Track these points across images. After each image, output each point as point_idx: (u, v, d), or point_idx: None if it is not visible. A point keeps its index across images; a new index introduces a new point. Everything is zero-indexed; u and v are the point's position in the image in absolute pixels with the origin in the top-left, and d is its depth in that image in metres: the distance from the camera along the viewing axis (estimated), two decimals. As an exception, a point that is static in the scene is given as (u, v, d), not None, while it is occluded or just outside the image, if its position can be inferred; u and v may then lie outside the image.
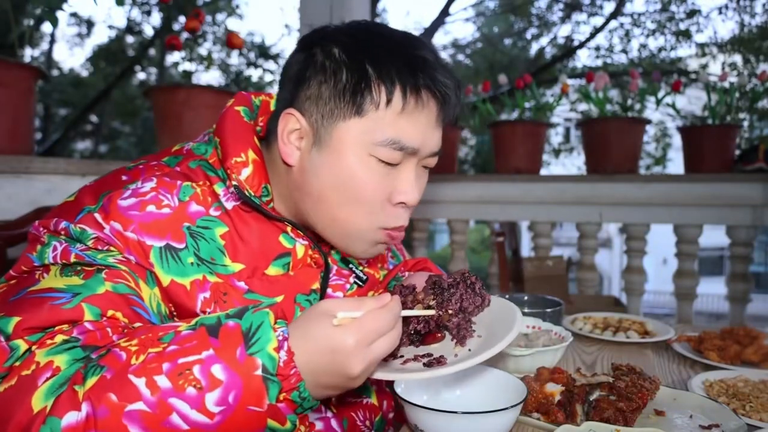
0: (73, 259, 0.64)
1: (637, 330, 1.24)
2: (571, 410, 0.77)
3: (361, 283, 0.85)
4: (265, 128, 0.80)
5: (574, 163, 9.85)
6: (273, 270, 0.75)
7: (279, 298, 0.74)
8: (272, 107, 0.82)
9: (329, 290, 0.81)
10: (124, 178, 0.72)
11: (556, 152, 9.66)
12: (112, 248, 0.66)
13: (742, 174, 2.31)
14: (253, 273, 0.73)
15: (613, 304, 2.32)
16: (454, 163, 2.80)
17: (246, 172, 0.73)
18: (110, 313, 0.62)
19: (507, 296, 1.32)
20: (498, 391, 0.76)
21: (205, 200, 0.72)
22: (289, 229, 0.77)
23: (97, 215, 0.67)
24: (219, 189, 0.74)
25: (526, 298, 1.29)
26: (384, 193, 0.72)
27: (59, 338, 0.58)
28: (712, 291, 11.88)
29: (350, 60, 0.69)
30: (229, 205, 0.74)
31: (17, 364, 0.55)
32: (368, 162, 0.70)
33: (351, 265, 0.85)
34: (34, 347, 0.57)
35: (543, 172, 2.79)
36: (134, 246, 0.67)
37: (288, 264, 0.76)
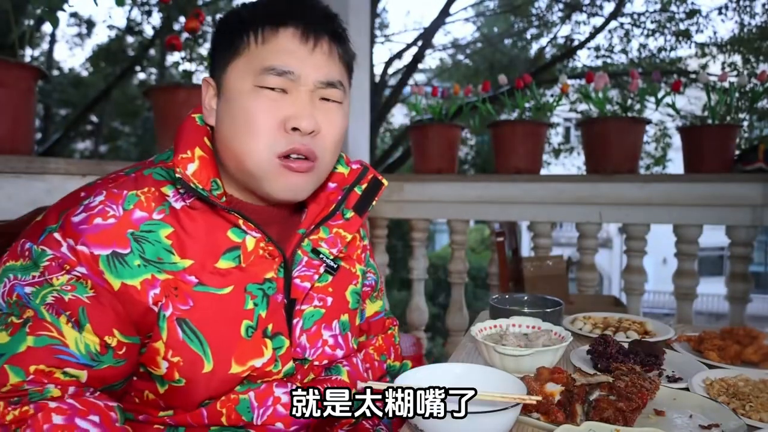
0: (14, 298, 0.72)
1: (637, 330, 1.24)
2: (571, 410, 0.77)
3: (332, 272, 0.89)
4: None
5: (574, 163, 9.85)
6: (224, 263, 0.79)
7: (228, 289, 0.78)
8: None
9: (297, 281, 0.85)
10: (82, 194, 0.78)
11: (556, 152, 9.65)
12: (61, 275, 0.72)
13: (742, 174, 2.31)
14: (202, 267, 0.78)
15: (613, 304, 2.32)
16: (454, 163, 2.80)
17: (192, 167, 0.78)
18: (33, 368, 0.69)
19: (507, 296, 1.32)
20: (498, 391, 0.76)
21: (149, 206, 0.77)
22: (240, 222, 0.80)
23: (56, 234, 0.74)
24: (169, 191, 0.79)
25: (526, 298, 1.29)
26: (275, 118, 0.78)
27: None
28: (712, 291, 11.88)
29: (227, 19, 0.82)
30: (178, 205, 0.79)
31: None
32: (256, 92, 0.78)
33: (321, 255, 0.87)
34: None
35: (543, 172, 2.79)
36: (85, 258, 0.73)
37: (239, 257, 0.80)
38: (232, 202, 0.84)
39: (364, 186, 0.94)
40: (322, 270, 0.87)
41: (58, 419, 0.68)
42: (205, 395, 0.78)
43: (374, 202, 0.94)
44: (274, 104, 0.78)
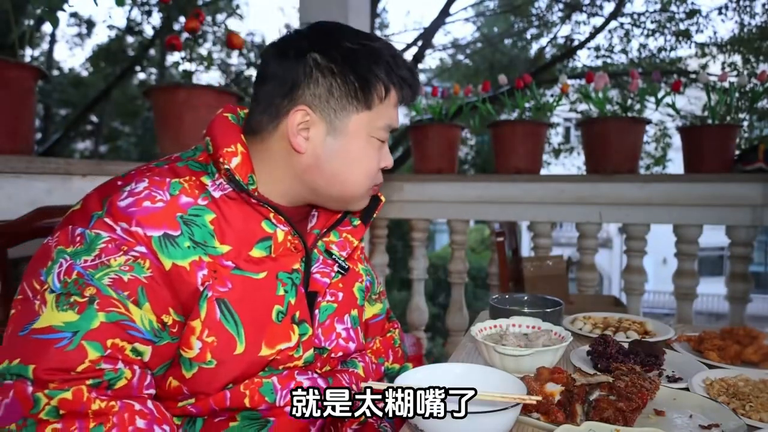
0: (74, 276, 0.73)
1: (637, 330, 1.24)
2: (571, 410, 0.77)
3: (343, 272, 0.96)
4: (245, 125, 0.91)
5: (574, 163, 9.84)
6: (257, 252, 0.84)
7: (263, 274, 0.83)
8: None
9: (317, 276, 0.91)
10: (119, 183, 0.81)
11: (556, 152, 9.65)
12: (118, 256, 0.74)
13: (742, 174, 2.31)
14: (238, 254, 0.82)
15: (613, 304, 2.32)
16: (454, 163, 2.80)
17: (236, 161, 0.83)
18: (110, 342, 0.71)
19: (507, 296, 1.32)
20: (498, 391, 0.76)
21: (193, 192, 0.81)
22: (271, 215, 0.86)
23: (106, 219, 0.76)
24: (207, 180, 0.83)
25: (526, 298, 1.29)
26: (378, 164, 0.91)
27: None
28: (712, 291, 11.88)
29: (352, 64, 0.83)
30: (217, 194, 0.83)
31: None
32: (371, 142, 0.88)
33: (333, 256, 0.94)
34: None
35: (543, 172, 2.79)
36: (141, 238, 0.76)
37: (270, 247, 0.85)
38: (262, 198, 0.88)
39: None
40: (336, 269, 0.94)
41: (141, 423, 0.72)
42: (231, 378, 0.81)
43: (375, 215, 1.03)
44: (378, 152, 0.90)
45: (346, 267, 0.96)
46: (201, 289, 0.78)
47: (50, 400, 0.67)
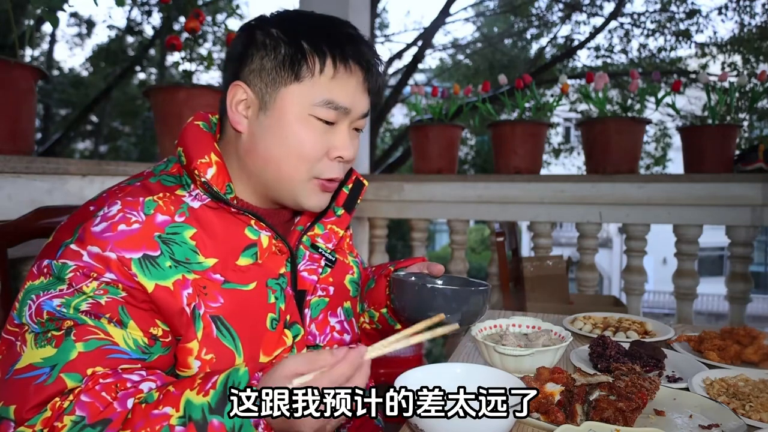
0: (45, 317, 0.71)
1: (637, 330, 1.24)
2: (571, 410, 0.77)
3: (331, 265, 0.96)
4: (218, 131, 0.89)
5: (574, 163, 9.84)
6: (243, 260, 0.83)
7: (252, 285, 0.82)
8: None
9: (305, 274, 0.91)
10: (91, 208, 0.79)
11: (556, 152, 9.65)
12: (89, 282, 0.72)
13: (742, 174, 2.31)
14: (225, 265, 0.81)
15: (613, 304, 2.32)
16: (454, 163, 2.80)
17: (211, 172, 0.81)
18: (89, 371, 0.69)
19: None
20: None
21: (168, 209, 0.79)
22: (252, 222, 0.84)
23: (73, 246, 0.74)
24: (182, 192, 0.82)
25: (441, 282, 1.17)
26: (322, 148, 0.83)
27: (67, 420, 0.66)
28: (712, 291, 11.89)
29: (287, 36, 0.80)
30: (196, 204, 0.81)
31: None
32: (308, 121, 0.81)
33: (320, 249, 0.94)
34: None
35: (543, 172, 2.79)
36: (115, 264, 0.73)
37: (256, 254, 0.84)
38: (241, 204, 0.88)
39: (350, 186, 1.02)
40: (323, 263, 0.94)
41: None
42: None
43: (359, 200, 1.02)
44: (323, 136, 0.82)
45: (334, 259, 0.96)
46: (188, 310, 0.76)
47: (33, 427, 0.67)
